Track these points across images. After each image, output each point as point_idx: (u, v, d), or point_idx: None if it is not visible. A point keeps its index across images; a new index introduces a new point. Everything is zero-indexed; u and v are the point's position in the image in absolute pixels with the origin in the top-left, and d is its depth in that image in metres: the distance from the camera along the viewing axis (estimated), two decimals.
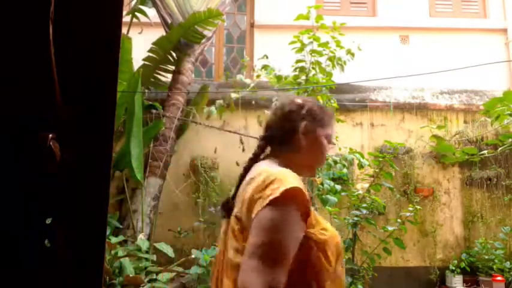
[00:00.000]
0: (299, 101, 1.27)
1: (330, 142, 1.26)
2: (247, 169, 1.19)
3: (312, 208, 1.08)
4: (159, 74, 4.89)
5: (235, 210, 1.11)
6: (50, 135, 0.45)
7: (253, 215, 1.01)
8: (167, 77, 4.89)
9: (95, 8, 0.49)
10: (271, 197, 0.99)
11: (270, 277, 0.93)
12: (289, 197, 1.00)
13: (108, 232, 3.65)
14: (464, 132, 5.20)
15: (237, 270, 1.00)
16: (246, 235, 1.03)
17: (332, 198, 3.64)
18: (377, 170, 3.92)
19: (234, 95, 4.47)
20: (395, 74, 4.28)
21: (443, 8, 6.06)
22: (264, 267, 0.95)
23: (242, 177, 1.18)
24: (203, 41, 4.87)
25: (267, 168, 1.10)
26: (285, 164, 1.16)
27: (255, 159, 1.21)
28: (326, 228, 1.09)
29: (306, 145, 1.21)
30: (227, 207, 1.18)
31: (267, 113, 4.71)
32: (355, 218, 3.66)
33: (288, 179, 1.03)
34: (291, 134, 1.21)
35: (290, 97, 1.35)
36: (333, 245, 1.07)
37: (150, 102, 4.64)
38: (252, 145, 4.73)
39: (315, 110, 1.25)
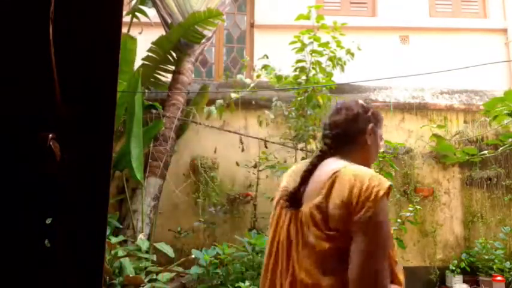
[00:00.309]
0: (364, 104, 1.42)
1: (381, 140, 1.44)
2: (315, 165, 1.29)
3: None
4: (159, 74, 4.89)
5: (317, 200, 1.19)
6: (50, 135, 0.45)
7: (360, 215, 1.12)
8: (167, 77, 4.89)
9: (95, 8, 0.49)
10: (377, 199, 1.13)
11: (386, 272, 1.11)
12: (387, 197, 1.15)
13: (108, 232, 3.64)
14: (465, 132, 5.20)
15: (321, 255, 1.14)
16: (329, 224, 1.15)
17: None
18: (377, 170, 3.92)
19: (234, 95, 4.47)
20: (395, 74, 4.28)
21: (443, 8, 6.06)
22: (382, 263, 1.11)
23: (309, 172, 1.28)
24: (203, 41, 4.87)
25: (351, 167, 1.22)
26: (354, 161, 1.28)
27: (322, 156, 1.31)
28: None
29: (371, 144, 1.36)
30: (295, 198, 1.26)
31: (267, 112, 4.68)
32: None
33: (381, 178, 1.17)
34: (360, 134, 1.35)
35: (352, 99, 1.46)
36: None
37: (150, 102, 4.64)
38: (252, 145, 4.76)
39: (376, 113, 1.42)
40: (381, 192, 1.13)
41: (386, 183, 1.16)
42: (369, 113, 1.39)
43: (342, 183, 1.17)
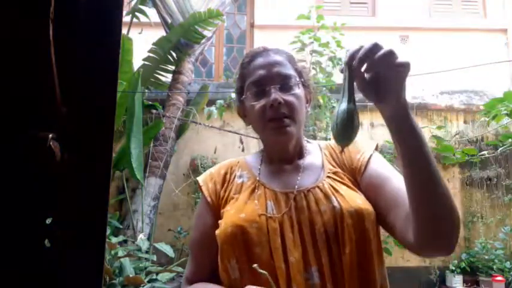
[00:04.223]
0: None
1: (253, 94, 1.01)
2: None
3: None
4: (159, 74, 4.88)
5: None
6: (50, 135, 0.45)
7: None
8: (167, 77, 4.89)
9: (95, 8, 0.49)
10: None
11: (186, 271, 1.15)
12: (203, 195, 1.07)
13: (108, 232, 3.64)
14: (465, 132, 5.20)
15: None
16: None
17: None
18: None
19: (234, 95, 4.47)
20: None
21: (443, 8, 6.05)
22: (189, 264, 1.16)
23: None
24: (203, 41, 4.86)
25: None
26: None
27: None
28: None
29: (248, 125, 1.11)
30: None
31: None
32: None
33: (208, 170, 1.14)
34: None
35: None
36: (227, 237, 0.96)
37: (150, 102, 4.64)
38: (252, 145, 4.75)
39: (240, 72, 1.08)
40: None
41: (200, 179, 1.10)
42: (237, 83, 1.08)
43: None
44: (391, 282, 1.00)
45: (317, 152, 1.09)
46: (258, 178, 1.04)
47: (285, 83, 0.99)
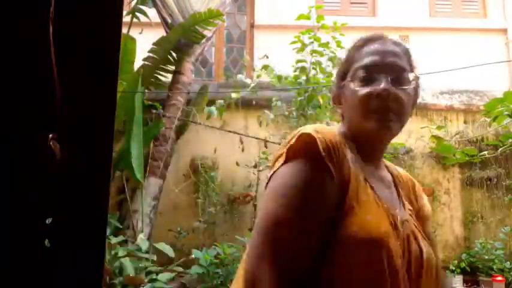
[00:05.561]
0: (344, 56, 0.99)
1: (358, 79, 0.87)
2: None
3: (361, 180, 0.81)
4: (159, 74, 4.89)
5: None
6: (50, 135, 0.45)
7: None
8: (167, 77, 4.89)
9: (95, 8, 0.49)
10: (282, 157, 0.77)
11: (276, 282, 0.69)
12: (306, 154, 0.76)
13: (108, 232, 3.64)
14: (465, 132, 5.20)
15: None
16: None
17: None
18: None
19: (234, 95, 4.47)
20: None
21: (443, 8, 6.05)
22: (269, 264, 0.70)
23: None
24: (203, 41, 4.86)
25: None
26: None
27: None
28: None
29: (343, 105, 0.93)
30: None
31: (267, 112, 4.68)
32: None
33: (308, 129, 0.79)
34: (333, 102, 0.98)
35: None
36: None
37: (150, 102, 4.64)
38: (252, 145, 4.75)
39: (346, 56, 0.95)
40: (288, 148, 0.77)
41: (304, 134, 0.77)
42: (340, 66, 0.96)
43: None
44: None
45: (384, 167, 0.95)
46: (364, 175, 0.83)
47: (398, 76, 0.86)
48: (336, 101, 0.95)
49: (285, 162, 0.77)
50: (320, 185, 0.74)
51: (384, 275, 0.72)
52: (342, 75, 0.92)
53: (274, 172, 0.78)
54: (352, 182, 0.77)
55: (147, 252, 3.69)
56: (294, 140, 0.77)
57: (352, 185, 0.77)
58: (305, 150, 0.76)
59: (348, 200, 0.75)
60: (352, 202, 0.76)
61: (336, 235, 0.73)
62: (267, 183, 0.79)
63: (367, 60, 0.87)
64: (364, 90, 0.84)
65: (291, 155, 0.76)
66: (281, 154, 0.79)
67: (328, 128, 0.82)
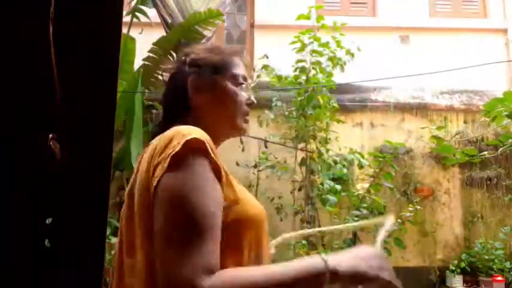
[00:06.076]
0: (190, 50, 1.06)
1: (238, 84, 1.01)
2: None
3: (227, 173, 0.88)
4: (159, 74, 4.88)
5: (126, 193, 0.90)
6: (50, 135, 0.45)
7: (153, 187, 0.78)
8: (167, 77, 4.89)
9: (95, 8, 0.49)
10: (171, 155, 0.77)
11: (199, 260, 0.70)
12: (194, 149, 0.80)
13: (108, 232, 3.64)
14: (465, 132, 5.20)
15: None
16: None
17: (332, 198, 3.65)
18: (377, 170, 3.92)
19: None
20: (396, 74, 4.28)
21: (443, 8, 6.05)
22: (190, 249, 0.71)
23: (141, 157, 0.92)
24: (203, 41, 4.86)
25: (173, 128, 0.86)
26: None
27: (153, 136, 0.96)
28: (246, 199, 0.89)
29: (205, 101, 0.99)
30: None
31: (267, 112, 4.68)
32: (355, 218, 3.66)
33: (192, 131, 0.82)
34: (182, 99, 0.99)
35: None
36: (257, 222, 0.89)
37: (150, 102, 4.63)
38: (252, 145, 4.75)
39: (202, 57, 1.02)
40: (181, 146, 0.77)
41: (192, 134, 0.80)
42: (187, 66, 1.01)
43: (149, 149, 0.86)
44: None
45: None
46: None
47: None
48: (199, 88, 0.99)
49: (173, 169, 0.78)
50: (215, 181, 0.82)
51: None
52: (215, 70, 1.01)
53: (159, 181, 0.78)
54: (227, 174, 0.87)
55: None
56: (179, 147, 0.79)
57: (228, 176, 0.88)
58: (195, 152, 0.81)
59: (231, 191, 0.86)
60: (236, 193, 0.87)
61: (228, 220, 0.82)
62: (154, 195, 0.79)
63: (243, 71, 1.05)
64: (244, 95, 1.03)
65: (181, 161, 0.79)
66: (160, 162, 0.80)
67: (194, 128, 0.86)
